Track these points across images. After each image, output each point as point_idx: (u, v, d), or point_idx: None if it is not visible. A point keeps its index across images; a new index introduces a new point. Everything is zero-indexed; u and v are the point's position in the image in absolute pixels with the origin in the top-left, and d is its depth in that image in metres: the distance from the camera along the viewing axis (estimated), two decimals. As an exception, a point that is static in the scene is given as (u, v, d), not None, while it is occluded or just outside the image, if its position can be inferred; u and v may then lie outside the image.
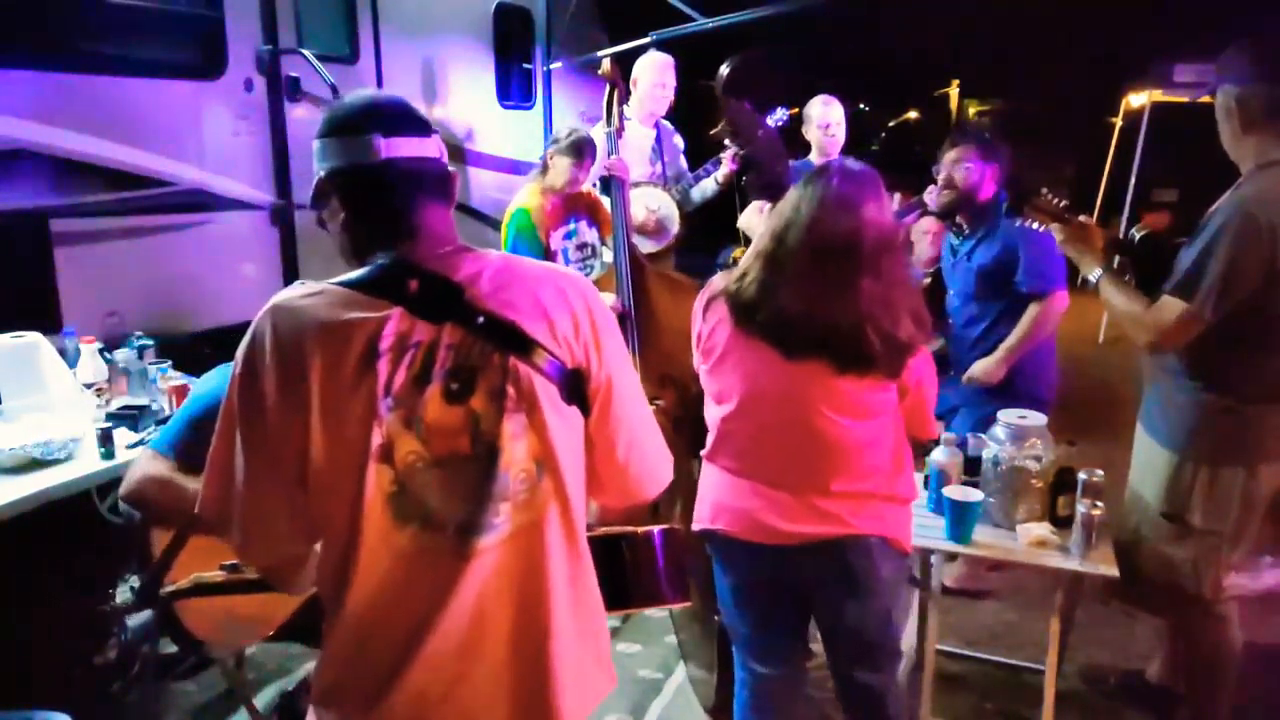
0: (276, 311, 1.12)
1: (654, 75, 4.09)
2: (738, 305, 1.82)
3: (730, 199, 4.43)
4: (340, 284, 1.13)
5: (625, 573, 1.53)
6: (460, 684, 1.13)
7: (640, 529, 1.55)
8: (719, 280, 1.90)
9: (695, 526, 1.96)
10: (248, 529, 1.17)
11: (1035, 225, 2.43)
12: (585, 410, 1.19)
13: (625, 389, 1.23)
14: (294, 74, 3.75)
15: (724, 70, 2.21)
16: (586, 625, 1.22)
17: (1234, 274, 2.02)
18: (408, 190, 1.14)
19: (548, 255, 3.65)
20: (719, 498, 1.91)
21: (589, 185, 3.86)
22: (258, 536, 1.18)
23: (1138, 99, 8.13)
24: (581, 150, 3.54)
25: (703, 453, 1.99)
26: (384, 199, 1.15)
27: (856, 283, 1.72)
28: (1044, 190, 2.42)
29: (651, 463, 1.31)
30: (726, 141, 4.03)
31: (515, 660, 1.15)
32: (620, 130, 3.66)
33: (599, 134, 3.63)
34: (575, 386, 1.16)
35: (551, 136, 3.63)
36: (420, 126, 1.17)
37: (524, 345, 1.12)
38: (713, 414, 1.93)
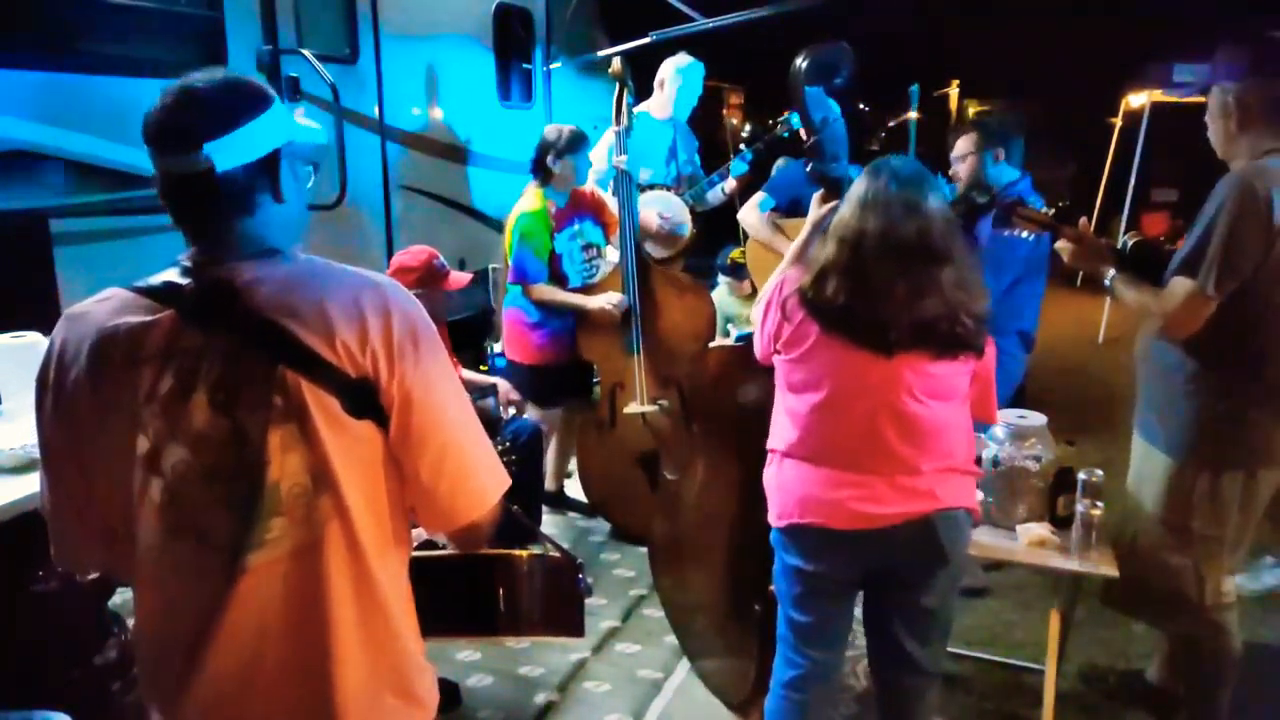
0: (67, 319, 1.13)
1: (682, 79, 4.10)
2: (824, 313, 1.86)
3: (731, 199, 4.44)
4: (130, 288, 1.12)
5: (493, 598, 1.42)
6: (244, 704, 1.12)
7: (523, 553, 1.44)
8: (795, 276, 1.94)
9: (780, 523, 1.96)
10: (54, 535, 1.20)
11: (1024, 235, 2.47)
12: (384, 425, 1.11)
13: (430, 403, 1.12)
14: (294, 74, 3.75)
15: (802, 60, 2.22)
16: (382, 653, 1.16)
17: (1235, 244, 2.02)
18: (214, 190, 1.08)
19: (552, 257, 3.65)
20: (806, 491, 1.92)
21: (594, 184, 3.86)
22: (61, 543, 1.21)
23: (1138, 99, 8.13)
24: (583, 143, 3.56)
25: (773, 445, 2.01)
26: (189, 198, 1.10)
27: (939, 276, 1.80)
28: (1028, 200, 2.48)
29: (469, 484, 1.18)
30: (741, 146, 4.05)
31: (296, 686, 1.11)
32: (629, 129, 3.67)
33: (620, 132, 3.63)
34: (361, 399, 1.08)
35: (542, 142, 3.60)
36: (212, 128, 1.06)
37: (293, 352, 1.05)
38: (792, 403, 1.95)
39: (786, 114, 4.02)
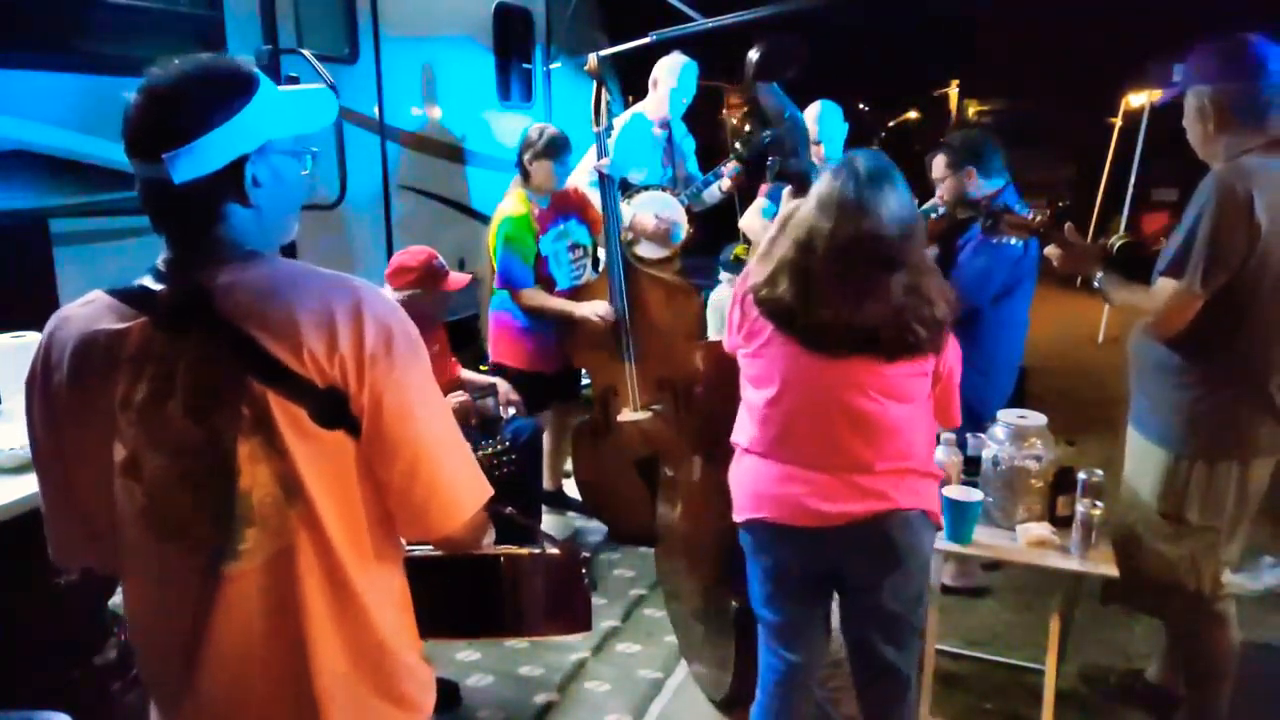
0: (55, 322, 1.13)
1: (675, 79, 4.08)
2: (774, 313, 1.85)
3: (731, 199, 4.43)
4: (109, 291, 1.10)
5: (498, 598, 1.41)
6: (236, 708, 1.13)
7: (525, 551, 1.44)
8: (755, 272, 1.93)
9: (738, 518, 1.97)
10: (49, 533, 1.20)
11: (1013, 241, 2.49)
12: (356, 434, 1.09)
13: (403, 413, 1.10)
14: (294, 74, 3.75)
15: (754, 54, 2.20)
16: (365, 661, 1.15)
17: (1219, 243, 2.04)
18: (178, 198, 1.06)
19: (539, 260, 3.64)
20: (759, 487, 1.92)
21: (581, 183, 3.84)
22: (55, 541, 1.21)
23: (1138, 99, 8.13)
24: (559, 148, 3.54)
25: (734, 439, 2.00)
26: (156, 205, 1.09)
27: (886, 281, 1.77)
28: (1013, 206, 2.52)
29: (442, 495, 1.15)
30: (736, 145, 4.03)
31: (282, 694, 1.12)
32: (609, 130, 3.65)
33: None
34: (330, 409, 1.06)
35: (524, 141, 3.59)
36: (178, 134, 1.03)
37: (259, 363, 1.03)
38: (751, 397, 1.95)
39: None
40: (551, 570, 1.45)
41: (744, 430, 1.98)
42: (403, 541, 1.24)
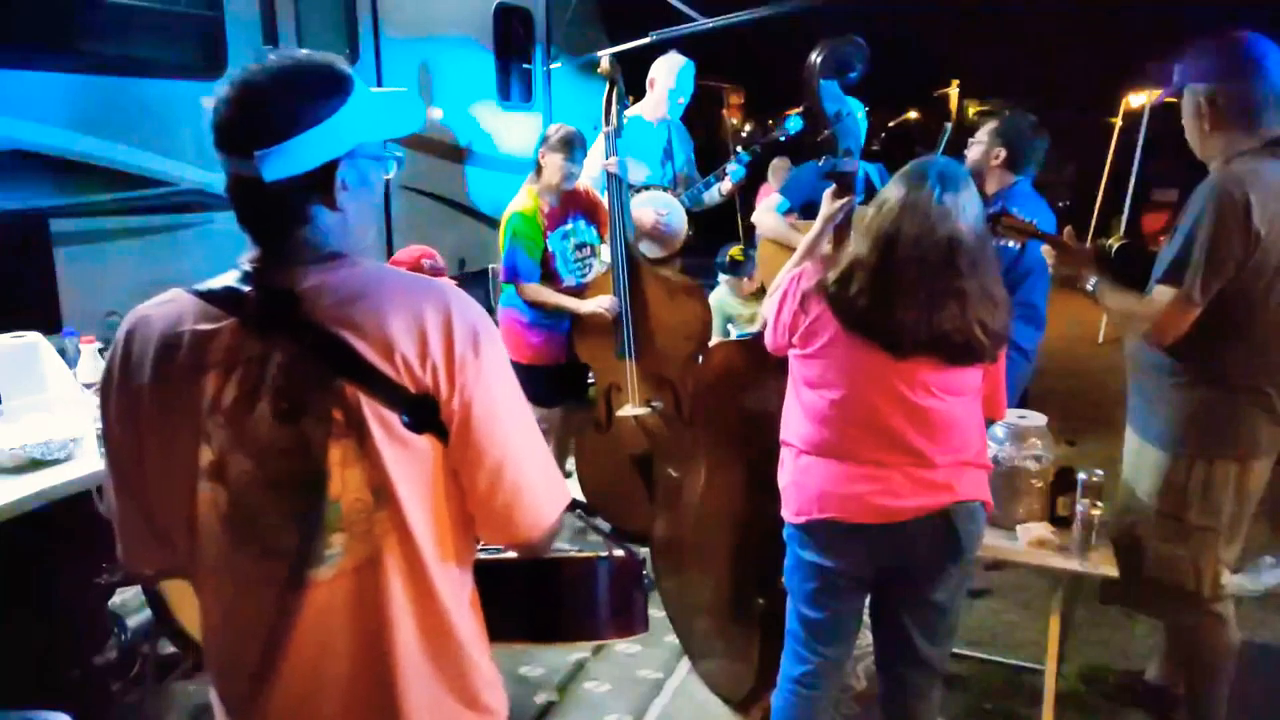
0: (132, 321, 1.11)
1: (673, 79, 4.08)
2: (846, 313, 1.86)
3: (730, 200, 4.43)
4: (193, 292, 1.09)
5: (560, 602, 1.40)
6: (313, 712, 1.11)
7: (585, 555, 1.43)
8: (816, 269, 1.94)
9: (798, 519, 1.97)
10: (120, 536, 1.18)
11: (1010, 244, 2.49)
12: (444, 438, 1.08)
13: (490, 417, 1.09)
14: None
15: (819, 56, 2.20)
16: (447, 666, 1.14)
17: (1218, 250, 2.04)
18: (266, 196, 1.04)
19: (545, 256, 3.65)
20: (825, 487, 1.92)
21: (589, 184, 3.86)
22: (127, 544, 1.18)
23: (1138, 99, 8.14)
24: (571, 144, 3.56)
25: (786, 440, 2.01)
26: (243, 202, 1.08)
27: (963, 288, 1.80)
28: (1014, 209, 2.50)
29: (527, 498, 1.15)
30: (738, 149, 4.03)
31: (360, 701, 1.10)
32: (619, 130, 3.66)
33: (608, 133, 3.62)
34: (422, 414, 1.06)
35: (543, 136, 3.65)
36: (274, 133, 1.02)
37: (353, 367, 1.03)
38: (808, 398, 1.95)
39: (785, 115, 4.01)
40: (614, 572, 1.43)
41: (800, 431, 1.97)
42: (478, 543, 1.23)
